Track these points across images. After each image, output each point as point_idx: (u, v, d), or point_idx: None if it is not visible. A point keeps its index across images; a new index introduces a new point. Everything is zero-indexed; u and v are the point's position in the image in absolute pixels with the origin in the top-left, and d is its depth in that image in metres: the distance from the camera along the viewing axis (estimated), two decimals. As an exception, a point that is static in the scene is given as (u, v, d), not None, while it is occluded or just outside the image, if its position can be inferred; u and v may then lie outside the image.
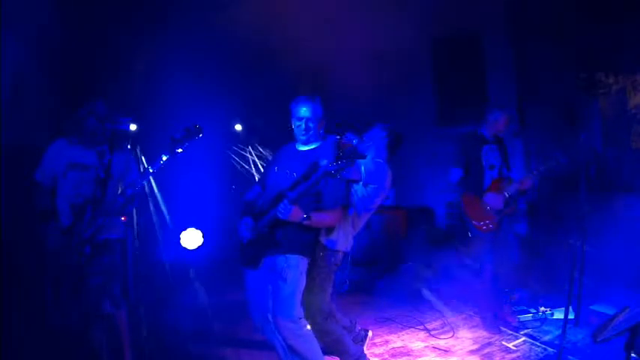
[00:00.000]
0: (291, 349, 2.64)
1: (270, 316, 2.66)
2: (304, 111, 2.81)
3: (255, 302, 2.82)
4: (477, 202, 3.76)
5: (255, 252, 2.76)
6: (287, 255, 2.67)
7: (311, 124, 2.81)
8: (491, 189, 3.75)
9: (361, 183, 3.14)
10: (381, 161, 3.29)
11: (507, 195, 3.71)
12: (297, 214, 2.57)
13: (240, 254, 2.86)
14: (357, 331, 3.39)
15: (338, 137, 3.07)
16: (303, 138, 2.84)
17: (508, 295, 4.22)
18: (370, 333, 3.60)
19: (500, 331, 3.76)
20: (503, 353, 3.43)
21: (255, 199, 2.97)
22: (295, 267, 2.67)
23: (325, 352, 3.12)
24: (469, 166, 3.81)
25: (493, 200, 3.71)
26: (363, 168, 3.12)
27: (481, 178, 3.79)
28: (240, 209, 2.94)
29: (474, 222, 3.76)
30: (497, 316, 3.89)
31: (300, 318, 2.67)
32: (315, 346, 2.70)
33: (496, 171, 3.81)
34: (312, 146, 2.88)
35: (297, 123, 2.84)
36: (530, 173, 3.73)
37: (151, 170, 2.62)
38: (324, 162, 2.61)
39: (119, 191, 2.82)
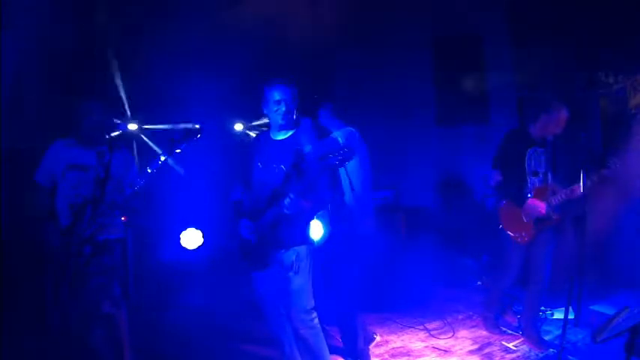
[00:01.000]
0: (302, 341, 2.67)
1: (283, 310, 2.70)
2: (282, 93, 2.67)
3: (265, 299, 2.80)
4: (515, 211, 3.41)
5: (261, 253, 2.71)
6: (295, 248, 2.67)
7: (291, 107, 2.69)
8: (534, 195, 3.36)
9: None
10: (350, 129, 3.24)
11: (551, 205, 3.30)
12: (306, 205, 2.56)
13: (245, 257, 2.79)
14: (367, 329, 3.46)
15: (312, 120, 3.00)
16: (283, 122, 2.69)
17: (510, 297, 4.21)
18: (378, 337, 3.60)
19: (500, 331, 3.76)
20: (503, 353, 3.43)
21: (242, 198, 2.87)
22: (305, 258, 2.68)
23: None
24: (509, 169, 3.42)
25: (532, 209, 3.32)
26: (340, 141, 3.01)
27: (522, 184, 3.40)
28: (233, 211, 2.86)
29: (508, 232, 3.46)
30: (498, 317, 3.88)
31: (313, 309, 2.68)
32: (323, 340, 2.73)
33: (540, 178, 3.39)
34: (289, 133, 2.76)
35: (275, 107, 2.67)
36: (584, 181, 3.13)
37: (149, 171, 2.62)
38: (308, 148, 2.60)
39: (120, 191, 2.82)
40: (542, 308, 3.98)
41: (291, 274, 2.64)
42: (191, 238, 5.20)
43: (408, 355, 3.48)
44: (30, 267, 3.20)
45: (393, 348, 3.61)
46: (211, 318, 4.21)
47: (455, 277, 5.04)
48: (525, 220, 3.40)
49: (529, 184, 3.40)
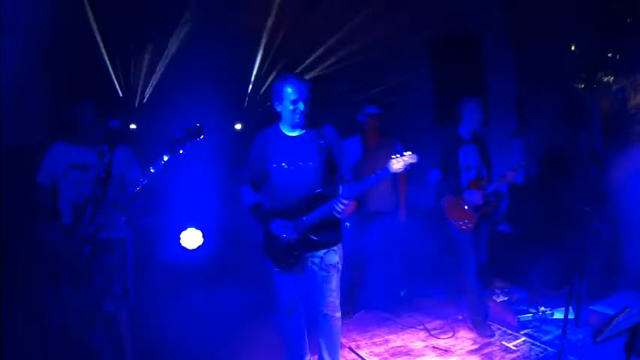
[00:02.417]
0: (328, 330, 2.71)
1: (301, 308, 2.79)
2: (298, 91, 2.54)
3: (289, 297, 2.79)
4: (457, 202, 3.72)
5: (299, 251, 2.66)
6: (334, 248, 2.71)
7: (308, 105, 2.59)
8: (469, 186, 3.70)
9: None
10: None
11: (487, 192, 3.68)
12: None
13: (277, 257, 2.72)
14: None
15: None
16: (299, 121, 2.61)
17: (491, 291, 4.30)
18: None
19: (494, 334, 3.73)
20: (503, 353, 3.43)
21: (260, 200, 2.80)
22: (342, 257, 2.75)
23: None
24: (447, 166, 3.77)
25: (471, 196, 3.66)
26: None
27: (459, 178, 3.74)
28: (254, 214, 2.77)
29: (453, 222, 3.73)
30: (487, 318, 3.85)
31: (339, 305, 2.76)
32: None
33: (474, 172, 3.74)
34: (304, 131, 2.70)
35: (292, 106, 2.55)
36: (512, 170, 3.66)
37: (152, 170, 2.61)
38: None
39: (122, 190, 2.81)
40: (542, 308, 3.99)
41: (333, 271, 2.67)
42: (191, 238, 5.20)
43: (408, 355, 3.49)
44: (30, 267, 3.21)
45: (393, 347, 3.61)
46: (211, 318, 4.21)
47: (455, 276, 5.03)
48: (467, 210, 3.69)
49: (464, 178, 3.74)
